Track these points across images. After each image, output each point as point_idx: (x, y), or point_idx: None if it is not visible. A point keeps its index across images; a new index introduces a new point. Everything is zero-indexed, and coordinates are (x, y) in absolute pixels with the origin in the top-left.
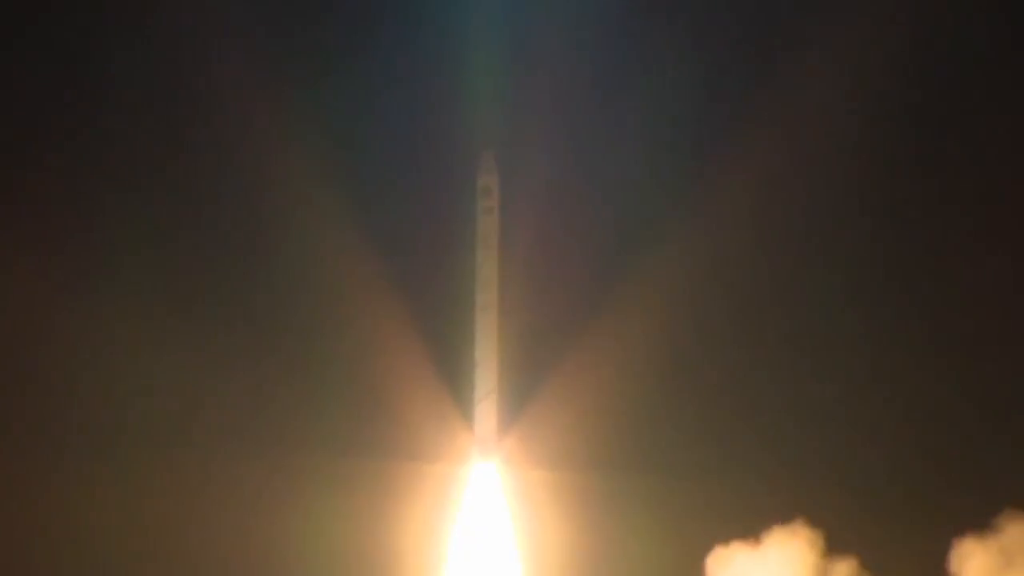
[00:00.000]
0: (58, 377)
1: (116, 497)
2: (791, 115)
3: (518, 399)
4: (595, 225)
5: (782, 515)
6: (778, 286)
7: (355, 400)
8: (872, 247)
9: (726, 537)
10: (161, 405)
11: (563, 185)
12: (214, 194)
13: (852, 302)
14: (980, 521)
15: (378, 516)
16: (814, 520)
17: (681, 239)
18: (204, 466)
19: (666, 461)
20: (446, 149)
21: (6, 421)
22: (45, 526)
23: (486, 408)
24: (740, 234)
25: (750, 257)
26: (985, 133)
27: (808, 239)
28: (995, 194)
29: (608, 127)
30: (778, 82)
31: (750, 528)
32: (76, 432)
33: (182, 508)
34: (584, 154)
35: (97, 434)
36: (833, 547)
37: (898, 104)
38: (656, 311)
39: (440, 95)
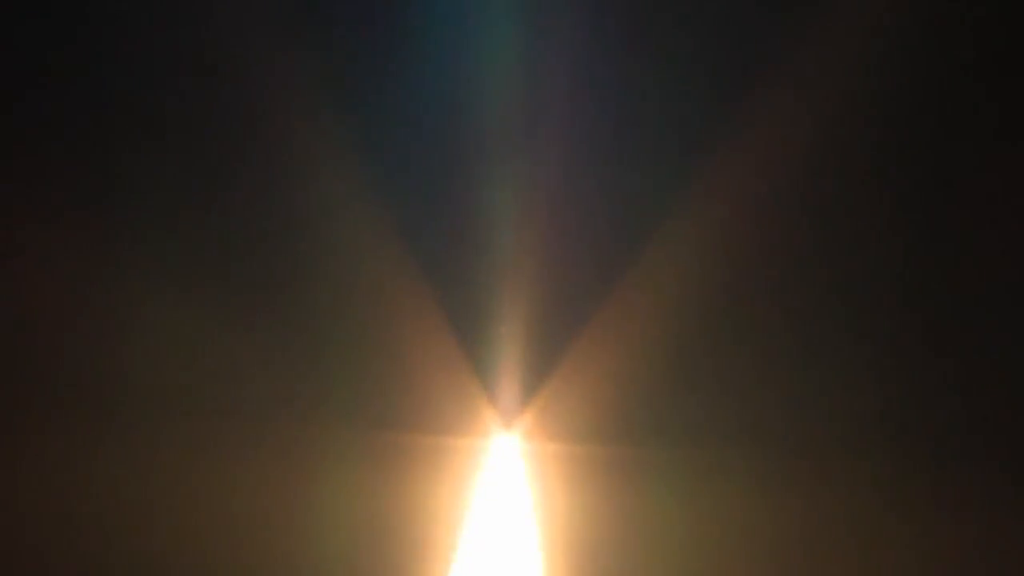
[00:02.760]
0: (76, 347)
1: (132, 469)
2: (810, 83)
3: (540, 371)
4: (616, 196)
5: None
6: (803, 255)
7: (374, 372)
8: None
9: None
10: (177, 377)
11: (583, 157)
12: (237, 163)
13: (876, 273)
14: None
15: (397, 490)
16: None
17: (705, 209)
18: (219, 439)
19: (691, 433)
20: (467, 125)
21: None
22: (66, 499)
23: (507, 380)
24: (765, 202)
25: (776, 225)
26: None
27: (830, 209)
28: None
29: (625, 96)
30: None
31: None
32: (91, 404)
33: (198, 481)
34: (600, 130)
35: (113, 406)
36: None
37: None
38: (681, 282)
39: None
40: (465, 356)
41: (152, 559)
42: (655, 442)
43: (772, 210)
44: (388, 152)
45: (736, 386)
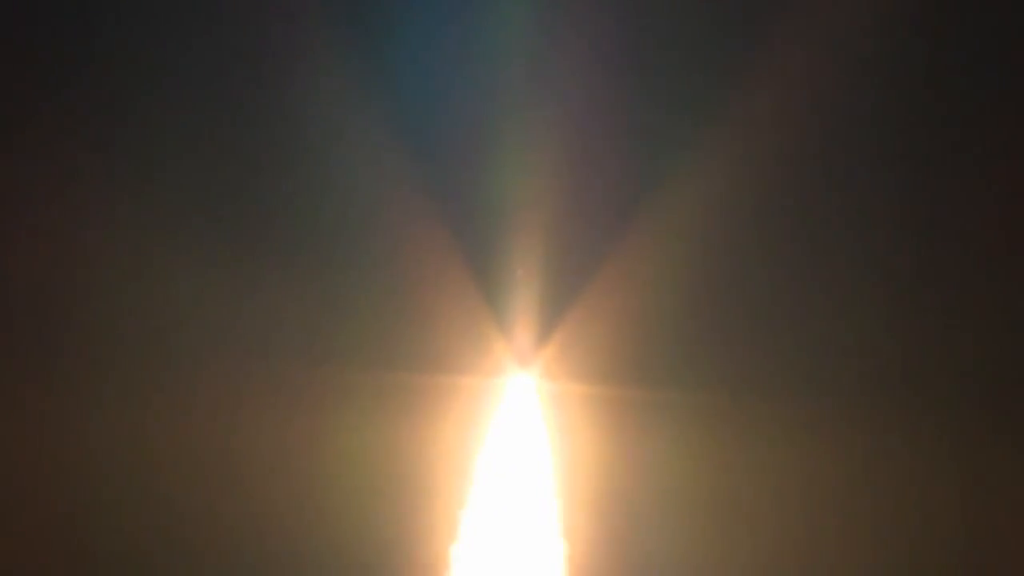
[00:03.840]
0: (76, 282)
1: (136, 411)
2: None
3: (556, 313)
4: (632, 135)
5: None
6: (823, 196)
7: (389, 311)
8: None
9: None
10: (183, 315)
11: (600, 95)
12: (246, 86)
13: (898, 217)
14: None
15: (415, 427)
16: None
17: (722, 150)
18: (228, 378)
19: (704, 375)
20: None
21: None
22: (66, 441)
23: (524, 322)
24: (783, 144)
25: (797, 167)
26: None
27: (851, 153)
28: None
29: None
30: None
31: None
32: (95, 343)
33: (205, 422)
34: (619, 73)
35: (116, 346)
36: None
37: None
38: (697, 221)
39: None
40: (483, 298)
41: (172, 497)
42: (670, 383)
43: (792, 152)
44: (406, 97)
45: (752, 329)
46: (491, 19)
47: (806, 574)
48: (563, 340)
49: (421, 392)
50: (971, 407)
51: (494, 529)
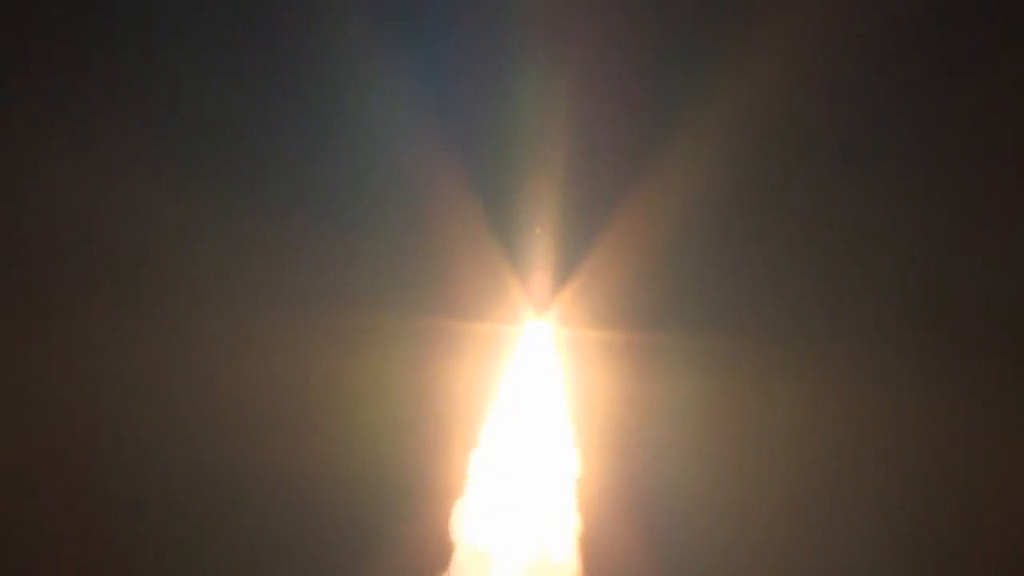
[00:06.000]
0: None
1: (157, 352)
2: None
3: (572, 257)
4: (647, 83)
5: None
6: (831, 151)
7: (407, 258)
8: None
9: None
10: (204, 260)
11: (617, 45)
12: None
13: (899, 173)
14: None
15: (435, 372)
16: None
17: (736, 96)
18: (248, 321)
19: (718, 320)
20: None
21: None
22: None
23: (540, 269)
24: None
25: (808, 113)
26: None
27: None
28: None
29: None
30: None
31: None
32: (139, 297)
33: (225, 364)
34: (629, 37)
35: (134, 290)
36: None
37: None
38: (713, 168)
39: None
40: (500, 245)
41: (199, 437)
42: (684, 328)
43: (799, 110)
44: (427, 59)
45: (767, 274)
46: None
47: (812, 511)
48: (579, 287)
49: (440, 337)
50: (978, 352)
51: (510, 471)
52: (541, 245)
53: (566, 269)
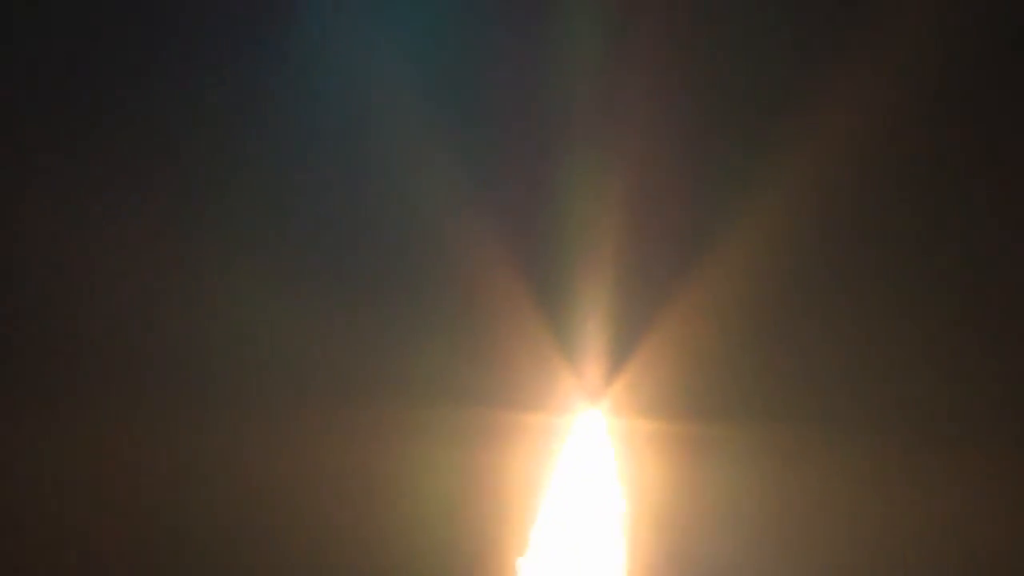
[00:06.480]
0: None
1: (209, 444)
2: None
3: (624, 350)
4: (702, 168)
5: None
6: (898, 233)
7: (457, 346)
8: None
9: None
10: (257, 350)
11: (670, 125)
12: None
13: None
14: None
15: (481, 465)
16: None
17: (791, 182)
18: (314, 417)
19: (772, 412)
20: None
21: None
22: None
23: (592, 359)
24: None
25: (872, 201)
26: None
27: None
28: None
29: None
30: None
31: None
32: (190, 391)
33: (275, 456)
34: (676, 127)
35: (213, 390)
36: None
37: None
38: (766, 255)
39: None
40: (552, 335)
41: (243, 528)
42: (739, 419)
43: (863, 188)
44: (471, 124)
45: (817, 368)
46: (559, 48)
47: None
48: (632, 376)
49: (489, 428)
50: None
51: (562, 566)
52: (594, 334)
53: (619, 358)
